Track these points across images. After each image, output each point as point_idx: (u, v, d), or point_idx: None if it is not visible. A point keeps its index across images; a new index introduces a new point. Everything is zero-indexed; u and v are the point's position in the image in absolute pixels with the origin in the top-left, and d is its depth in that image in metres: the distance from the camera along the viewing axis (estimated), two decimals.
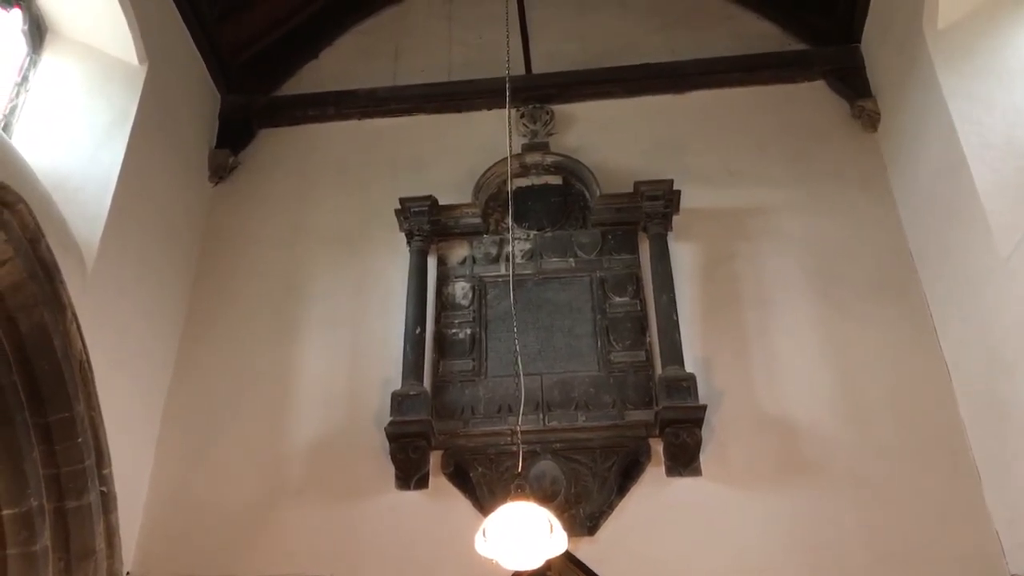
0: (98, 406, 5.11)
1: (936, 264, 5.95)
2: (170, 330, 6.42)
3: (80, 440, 4.96)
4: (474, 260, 6.61)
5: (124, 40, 6.13)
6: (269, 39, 7.83)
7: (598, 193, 6.67)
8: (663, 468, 5.66)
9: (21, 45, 5.88)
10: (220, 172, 7.28)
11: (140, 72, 6.22)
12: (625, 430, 5.77)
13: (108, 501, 5.17)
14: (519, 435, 4.81)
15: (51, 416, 4.90)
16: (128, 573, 5.49)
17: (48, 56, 6.04)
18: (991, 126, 5.43)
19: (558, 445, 5.75)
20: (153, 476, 5.95)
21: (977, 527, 5.27)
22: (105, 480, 5.15)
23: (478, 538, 3.77)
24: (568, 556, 5.11)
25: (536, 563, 3.85)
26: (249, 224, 7.08)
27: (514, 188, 6.52)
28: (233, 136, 7.48)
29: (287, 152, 7.48)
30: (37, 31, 6.03)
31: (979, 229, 5.28)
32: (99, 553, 5.07)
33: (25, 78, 5.86)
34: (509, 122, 5.29)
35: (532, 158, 6.97)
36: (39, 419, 4.89)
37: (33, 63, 5.95)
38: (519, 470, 4.17)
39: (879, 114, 6.87)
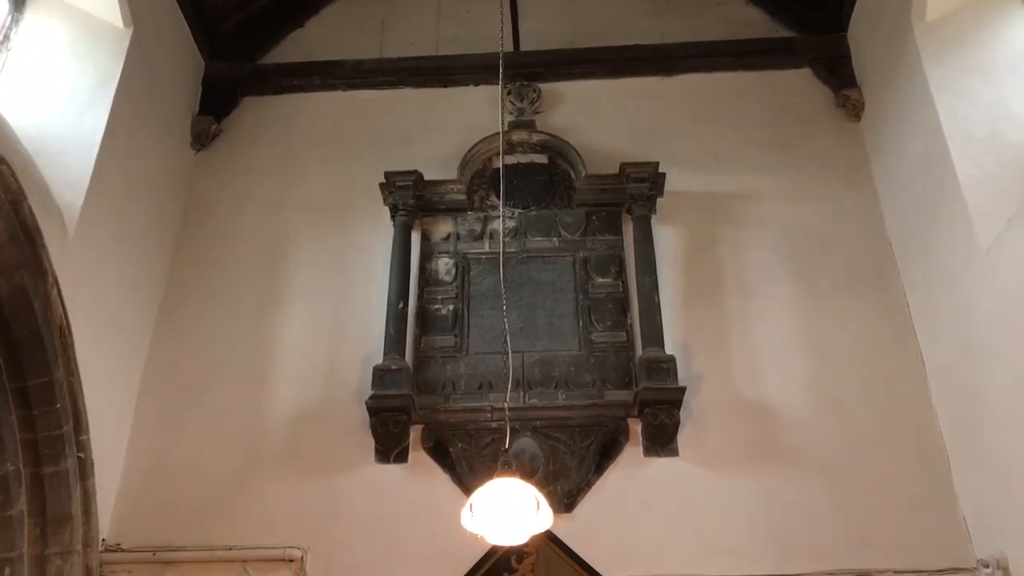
0: (77, 371, 5.07)
1: (915, 255, 6.03)
2: (150, 297, 6.36)
3: (58, 406, 4.94)
4: (458, 237, 6.60)
5: (110, 2, 6.02)
6: (255, 6, 7.70)
7: (583, 173, 6.68)
8: (641, 448, 5.72)
9: (3, 3, 5.76)
10: (202, 139, 7.18)
11: (125, 35, 6.11)
12: (604, 409, 5.82)
13: (85, 467, 5.14)
14: (506, 412, 4.83)
15: (29, 381, 4.87)
16: (104, 540, 5.46)
17: (31, 15, 5.91)
18: (975, 120, 5.49)
19: (538, 423, 5.78)
20: (130, 443, 5.91)
21: (946, 513, 5.39)
22: (82, 446, 5.12)
23: (464, 513, 3.80)
24: (546, 533, 5.13)
25: (521, 539, 3.89)
26: (231, 193, 7.00)
27: (499, 166, 6.52)
28: (216, 103, 7.37)
29: (271, 121, 7.39)
30: None
31: (959, 222, 5.35)
32: (75, 519, 5.06)
33: (7, 37, 5.74)
34: (502, 100, 5.30)
35: (518, 136, 6.94)
36: (17, 383, 4.86)
37: (15, 22, 5.82)
38: (506, 446, 4.19)
39: (863, 104, 6.92)
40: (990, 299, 5.07)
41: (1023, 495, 4.74)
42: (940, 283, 5.67)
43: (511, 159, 6.88)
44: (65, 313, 4.98)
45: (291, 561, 5.41)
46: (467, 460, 5.70)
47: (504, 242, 6.29)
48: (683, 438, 5.73)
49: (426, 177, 6.62)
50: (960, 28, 5.87)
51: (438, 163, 6.82)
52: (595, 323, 6.17)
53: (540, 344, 6.10)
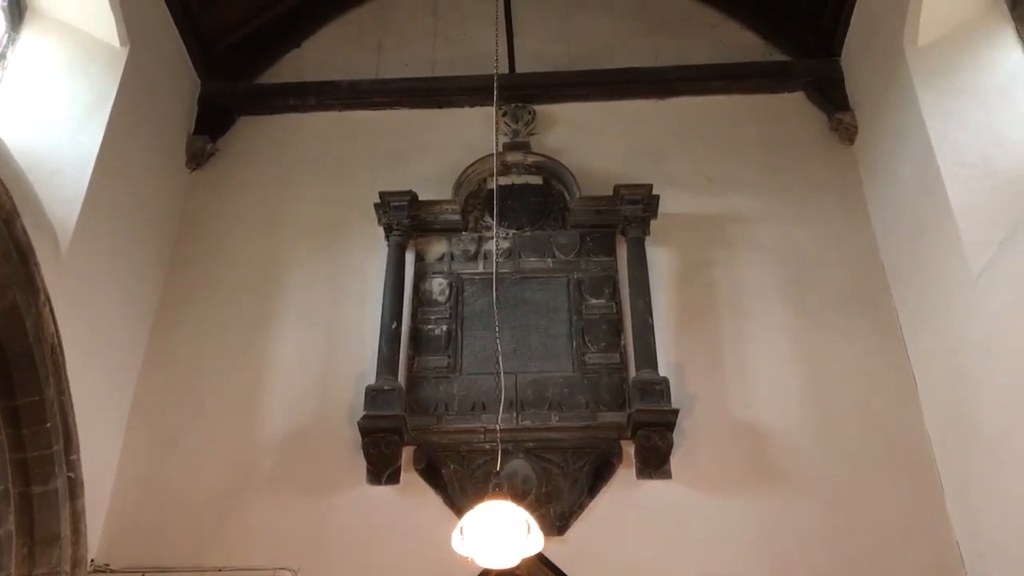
0: (68, 391, 5.05)
1: (908, 278, 6.05)
2: (143, 316, 6.35)
3: (49, 425, 4.91)
4: (452, 257, 6.63)
5: (106, 21, 6.06)
6: (252, 26, 7.76)
7: (578, 194, 6.71)
8: (634, 470, 5.71)
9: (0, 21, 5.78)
10: (197, 158, 7.20)
11: (121, 54, 6.15)
12: (597, 431, 5.81)
13: (75, 487, 5.11)
14: (499, 433, 4.81)
15: (20, 400, 4.85)
16: (92, 560, 5.42)
17: (28, 34, 5.95)
18: (967, 145, 5.54)
19: (531, 444, 5.78)
20: (121, 463, 5.88)
21: (939, 537, 5.38)
22: (72, 466, 5.09)
23: (455, 536, 3.78)
24: (538, 555, 5.11)
25: (512, 562, 3.87)
26: (226, 212, 7.02)
27: (494, 186, 6.53)
28: (212, 122, 7.40)
29: (266, 141, 7.43)
30: (16, 8, 5.94)
31: (951, 246, 5.38)
32: (64, 539, 5.02)
33: (3, 55, 5.77)
34: (497, 121, 5.30)
35: (513, 157, 6.98)
36: (8, 402, 4.84)
37: (12, 40, 5.86)
38: (498, 469, 4.17)
39: (856, 127, 6.98)
40: (981, 323, 5.08)
41: (1016, 519, 4.72)
42: (932, 307, 5.68)
43: (506, 180, 6.90)
44: (57, 332, 4.96)
45: None
46: (459, 481, 5.67)
47: (498, 262, 6.28)
48: (676, 460, 5.72)
49: (421, 197, 6.65)
50: (951, 53, 5.93)
51: (433, 183, 6.85)
52: (588, 344, 6.17)
53: (533, 365, 6.10)
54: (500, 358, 5.19)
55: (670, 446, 5.68)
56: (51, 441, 4.92)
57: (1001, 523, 4.87)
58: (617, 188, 6.58)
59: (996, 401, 4.92)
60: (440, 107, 7.54)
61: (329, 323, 6.42)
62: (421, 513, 5.60)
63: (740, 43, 7.74)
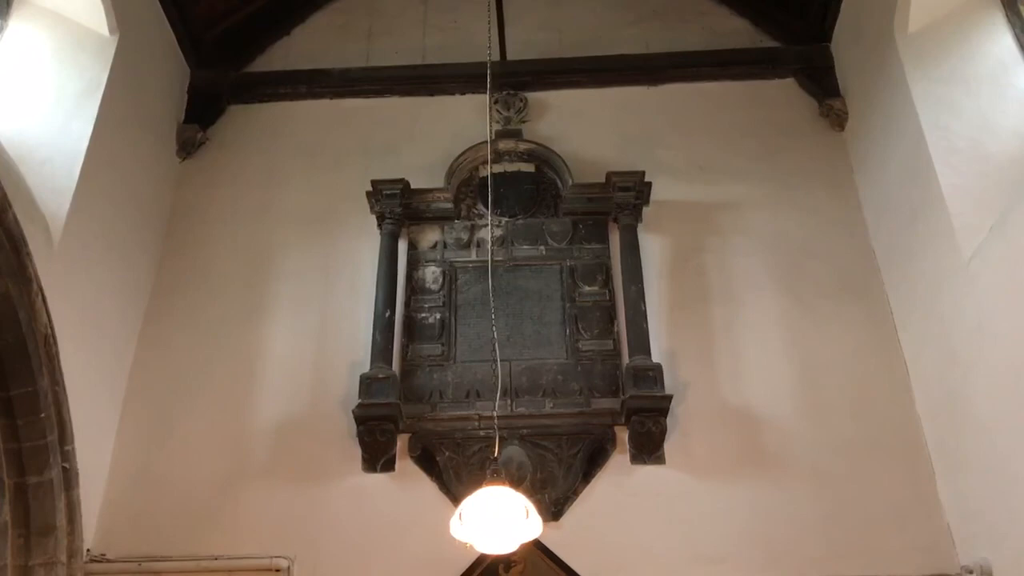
0: (62, 381, 5.03)
1: (899, 264, 6.08)
2: (135, 305, 6.33)
3: (43, 415, 4.89)
4: (445, 245, 6.62)
5: (95, 10, 6.00)
6: (241, 14, 7.68)
7: (570, 182, 6.71)
8: (628, 456, 5.74)
9: None
10: (188, 147, 7.16)
11: (110, 43, 6.09)
12: (591, 417, 5.84)
13: (70, 477, 5.10)
14: (496, 420, 4.83)
15: (13, 390, 4.83)
16: (88, 550, 5.42)
17: (16, 23, 5.87)
18: (957, 131, 5.55)
19: (525, 431, 5.80)
20: (115, 453, 5.87)
21: (930, 520, 5.43)
22: (67, 456, 5.08)
23: (454, 521, 3.80)
24: (533, 541, 5.14)
25: (511, 547, 3.89)
26: (217, 201, 6.98)
27: (486, 174, 6.53)
28: (202, 111, 7.35)
29: (257, 129, 7.38)
30: None
31: (942, 231, 5.41)
32: (60, 530, 5.00)
33: None
34: (490, 109, 5.30)
35: (505, 145, 6.96)
36: (1, 393, 4.82)
37: (0, 29, 5.79)
38: (495, 455, 4.20)
39: (847, 114, 6.98)
40: (972, 308, 5.11)
41: (1007, 501, 4.78)
42: (923, 292, 5.72)
43: (498, 168, 6.87)
44: (50, 322, 4.94)
45: (278, 571, 5.39)
46: (454, 469, 5.70)
47: (491, 250, 6.28)
48: (670, 446, 5.75)
49: (413, 186, 6.63)
50: (942, 39, 5.93)
51: (425, 172, 6.83)
52: (582, 331, 6.19)
53: (527, 352, 6.11)
54: (496, 345, 5.20)
55: (663, 432, 5.72)
56: (45, 431, 4.90)
57: (992, 505, 4.92)
58: (609, 175, 6.58)
59: (987, 385, 4.97)
60: (431, 95, 7.50)
61: (322, 312, 6.41)
62: (416, 501, 5.62)
63: (730, 29, 7.72)
